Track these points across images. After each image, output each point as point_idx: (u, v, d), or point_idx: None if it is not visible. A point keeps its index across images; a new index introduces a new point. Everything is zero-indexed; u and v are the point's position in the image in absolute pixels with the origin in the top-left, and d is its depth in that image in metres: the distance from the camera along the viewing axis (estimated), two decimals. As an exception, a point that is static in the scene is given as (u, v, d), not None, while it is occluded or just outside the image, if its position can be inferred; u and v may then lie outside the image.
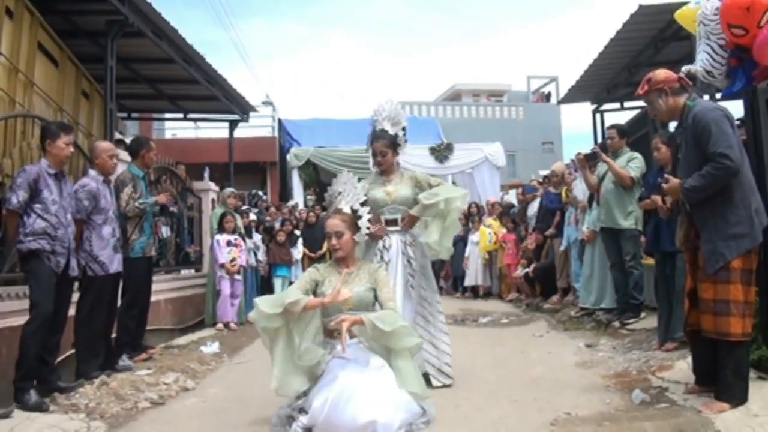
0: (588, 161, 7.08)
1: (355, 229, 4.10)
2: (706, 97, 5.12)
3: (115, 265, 5.38)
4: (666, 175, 4.17)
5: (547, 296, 9.50)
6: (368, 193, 4.90)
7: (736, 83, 4.62)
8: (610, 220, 6.78)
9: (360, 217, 4.10)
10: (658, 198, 5.45)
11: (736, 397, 3.73)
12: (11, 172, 5.68)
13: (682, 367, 4.79)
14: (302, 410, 3.89)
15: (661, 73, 4.06)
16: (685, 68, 4.72)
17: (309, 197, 18.05)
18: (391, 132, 5.09)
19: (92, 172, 5.43)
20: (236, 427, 4.09)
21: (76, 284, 5.26)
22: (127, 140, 8.45)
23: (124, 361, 5.68)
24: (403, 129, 5.17)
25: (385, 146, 5.08)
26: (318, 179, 18.99)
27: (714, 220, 3.76)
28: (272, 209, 12.36)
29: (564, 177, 8.81)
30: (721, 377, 3.81)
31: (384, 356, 3.91)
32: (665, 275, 5.50)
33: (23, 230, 4.58)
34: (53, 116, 7.17)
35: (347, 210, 4.13)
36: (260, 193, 14.46)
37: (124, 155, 7.28)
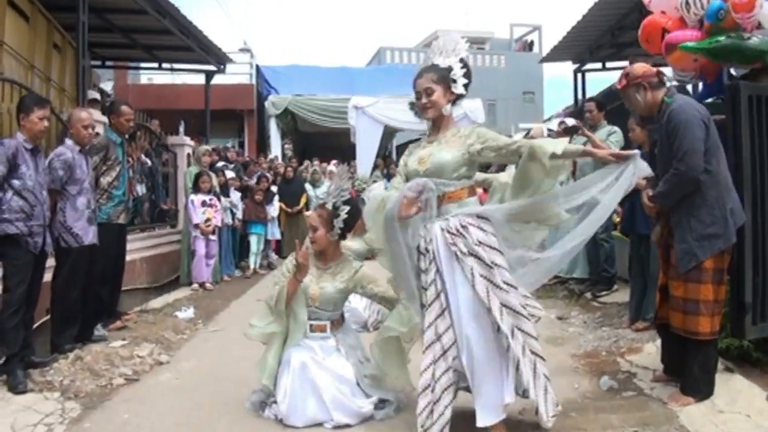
0: (568, 134, 7.06)
1: (330, 226, 4.02)
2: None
3: (90, 236, 5.31)
4: (644, 199, 4.17)
5: (522, 260, 9.59)
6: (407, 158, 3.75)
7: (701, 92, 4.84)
8: (587, 194, 6.81)
9: (338, 216, 4.04)
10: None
11: (702, 391, 3.83)
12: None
13: (650, 350, 4.90)
14: (275, 401, 3.96)
15: (639, 68, 4.02)
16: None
17: (287, 146, 17.92)
18: (443, 64, 3.65)
19: (68, 142, 5.31)
20: (210, 408, 4.13)
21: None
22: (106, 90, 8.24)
23: (99, 330, 5.67)
24: (463, 63, 3.65)
25: (431, 81, 3.56)
26: (296, 128, 18.83)
27: (689, 220, 3.79)
28: (251, 167, 12.23)
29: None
30: (688, 372, 3.90)
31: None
32: (639, 256, 5.57)
33: None
34: (24, 74, 6.98)
35: (329, 206, 4.07)
36: (228, 145, 14.24)
37: (98, 114, 7.14)
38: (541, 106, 30.67)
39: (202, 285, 8.50)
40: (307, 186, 12.18)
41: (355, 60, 39.72)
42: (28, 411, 4.06)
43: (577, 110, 10.65)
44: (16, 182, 4.57)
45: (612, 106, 7.90)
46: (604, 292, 6.77)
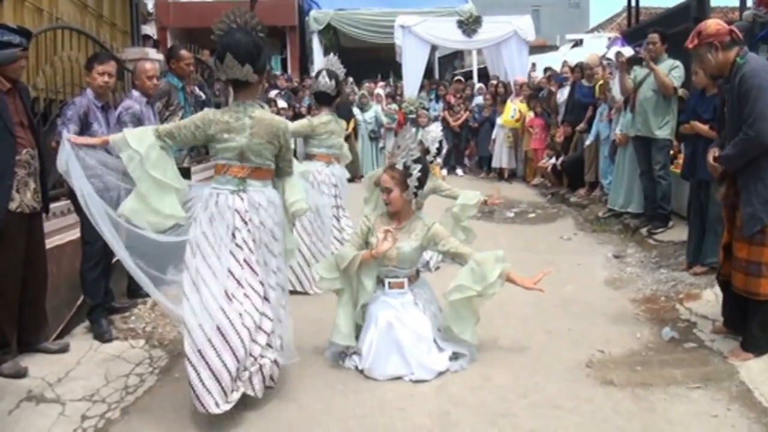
0: (630, 65, 6.91)
1: (404, 186, 4.13)
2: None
3: (162, 184, 5.47)
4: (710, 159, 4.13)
5: (574, 188, 9.58)
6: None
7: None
8: (646, 129, 6.74)
9: (410, 175, 4.12)
10: (697, 124, 5.44)
11: (760, 347, 3.98)
12: (46, 86, 5.64)
13: (709, 298, 4.99)
14: (355, 353, 4.17)
15: (712, 26, 3.93)
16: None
17: (330, 63, 17.72)
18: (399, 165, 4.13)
19: (135, 94, 5.40)
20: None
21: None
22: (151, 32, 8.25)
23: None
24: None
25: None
26: (339, 44, 18.56)
27: (755, 184, 3.82)
28: (300, 93, 12.17)
29: (599, 70, 8.62)
30: (747, 329, 4.04)
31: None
32: (699, 201, 5.55)
33: None
34: (78, 15, 6.99)
35: (399, 167, 4.12)
36: (277, 72, 14.09)
37: (153, 53, 7.19)
38: (587, 13, 29.63)
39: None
40: (355, 110, 12.15)
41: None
42: (118, 360, 4.33)
43: (630, 31, 10.29)
44: (88, 140, 4.70)
45: (674, 30, 7.63)
46: (660, 229, 6.78)
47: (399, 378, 3.94)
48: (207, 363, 3.38)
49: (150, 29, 9.87)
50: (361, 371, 4.05)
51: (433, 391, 3.82)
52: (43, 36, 5.66)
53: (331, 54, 6.09)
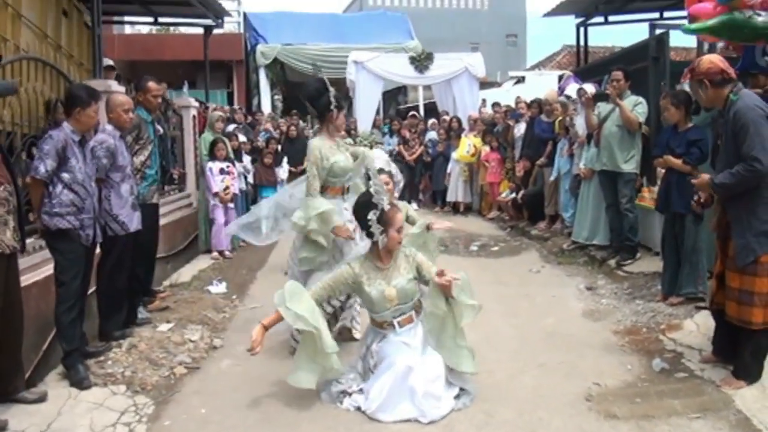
0: (595, 101, 7.09)
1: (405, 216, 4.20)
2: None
3: (135, 223, 5.27)
4: (698, 173, 4.29)
5: (534, 221, 9.71)
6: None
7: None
8: (612, 163, 6.91)
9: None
10: (670, 158, 5.60)
11: (752, 375, 4.08)
12: (12, 120, 5.39)
13: (691, 328, 5.09)
14: (357, 392, 4.05)
15: (704, 64, 4.09)
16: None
17: (276, 97, 17.70)
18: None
19: (108, 128, 5.20)
20: (285, 399, 4.17)
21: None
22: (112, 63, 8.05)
23: (142, 313, 5.70)
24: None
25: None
26: (285, 79, 18.56)
27: (747, 216, 3.93)
28: (257, 127, 12.07)
29: (557, 106, 8.81)
30: (739, 357, 4.14)
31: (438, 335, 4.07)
32: (673, 233, 5.68)
33: (49, 201, 4.43)
34: (39, 45, 6.76)
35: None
36: (236, 107, 14.00)
37: (115, 85, 6.98)
38: (524, 51, 30.50)
39: (221, 253, 8.50)
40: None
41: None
42: (101, 409, 4.09)
43: (582, 70, 10.59)
44: (65, 176, 4.48)
45: (634, 67, 7.84)
46: (628, 261, 6.91)
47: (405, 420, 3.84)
48: None
49: (110, 61, 9.60)
50: (363, 412, 3.94)
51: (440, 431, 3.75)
52: (10, 67, 5.43)
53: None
